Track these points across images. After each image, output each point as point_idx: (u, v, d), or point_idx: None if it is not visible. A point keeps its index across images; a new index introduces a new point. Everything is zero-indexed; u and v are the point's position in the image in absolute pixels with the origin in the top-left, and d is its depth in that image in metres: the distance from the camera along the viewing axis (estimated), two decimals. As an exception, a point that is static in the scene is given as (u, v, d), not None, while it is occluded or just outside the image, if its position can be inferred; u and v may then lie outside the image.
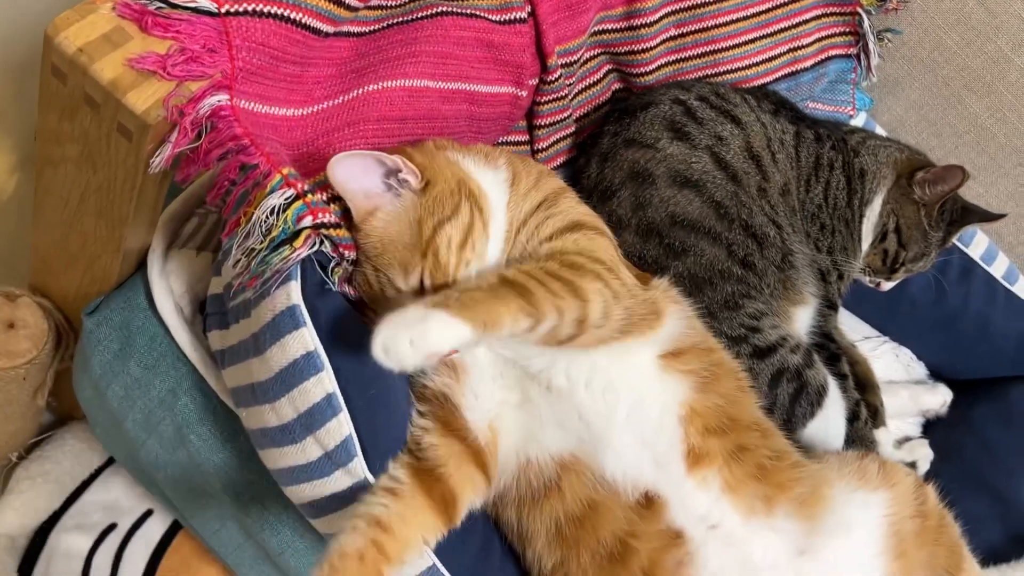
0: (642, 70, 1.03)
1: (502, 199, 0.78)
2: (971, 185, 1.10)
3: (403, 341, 0.59)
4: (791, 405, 0.93)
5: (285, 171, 0.64)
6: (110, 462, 1.17)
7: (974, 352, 1.11)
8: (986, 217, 1.04)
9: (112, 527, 1.14)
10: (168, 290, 0.83)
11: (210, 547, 1.00)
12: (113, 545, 1.13)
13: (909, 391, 1.09)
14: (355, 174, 0.70)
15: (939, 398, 1.09)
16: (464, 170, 0.78)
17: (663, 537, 0.74)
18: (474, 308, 0.62)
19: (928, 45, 1.10)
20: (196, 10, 0.65)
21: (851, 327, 1.14)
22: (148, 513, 1.16)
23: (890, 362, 1.11)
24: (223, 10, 0.66)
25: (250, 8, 0.67)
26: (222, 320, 0.79)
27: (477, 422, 0.75)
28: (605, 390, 0.75)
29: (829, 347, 1.00)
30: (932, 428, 1.12)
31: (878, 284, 1.07)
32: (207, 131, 0.65)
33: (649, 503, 0.74)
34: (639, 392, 0.76)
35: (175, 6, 0.64)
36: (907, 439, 1.08)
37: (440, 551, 0.74)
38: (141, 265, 0.84)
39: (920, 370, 1.15)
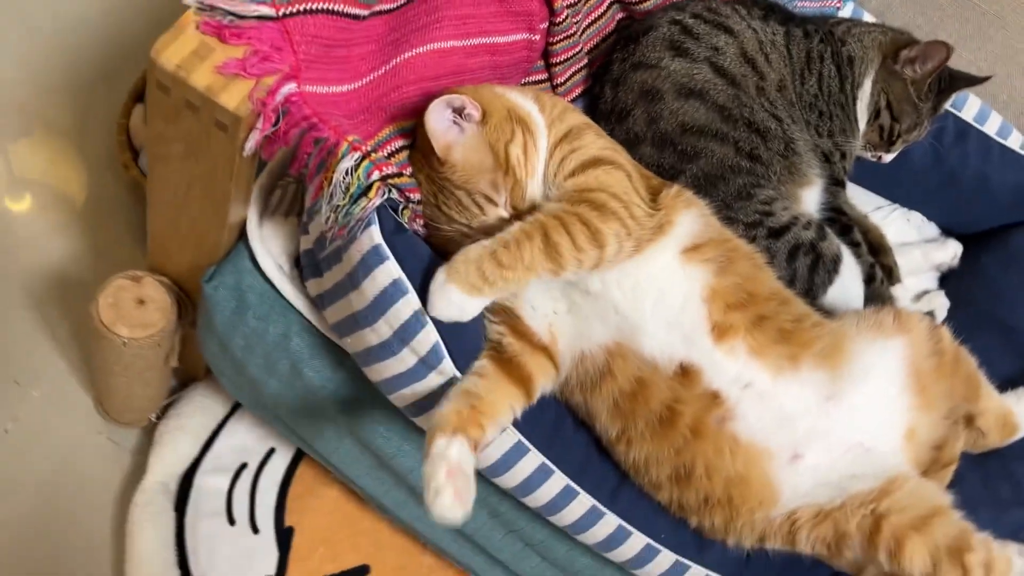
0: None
1: (542, 124, 0.92)
2: (960, 53, 1.20)
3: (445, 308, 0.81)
4: (810, 276, 1.06)
5: (350, 139, 0.79)
6: (233, 412, 1.36)
7: (977, 206, 1.22)
8: (972, 81, 1.13)
9: (243, 466, 1.34)
10: (268, 252, 0.99)
11: (331, 465, 1.18)
12: (247, 481, 1.33)
13: (921, 249, 1.20)
14: (438, 121, 0.84)
15: (949, 252, 1.21)
16: (510, 100, 0.92)
17: (703, 400, 0.89)
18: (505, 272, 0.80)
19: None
20: (260, 17, 0.79)
21: (863, 200, 1.25)
22: (271, 451, 1.36)
23: (902, 226, 1.23)
24: (280, 13, 0.80)
25: (301, 8, 0.81)
26: (316, 270, 0.95)
27: (538, 327, 0.90)
28: (634, 288, 0.89)
29: (840, 220, 1.13)
30: (947, 280, 1.24)
31: (879, 157, 1.18)
32: (283, 115, 0.80)
33: (686, 373, 0.89)
34: (663, 285, 0.89)
35: (243, 17, 0.79)
36: (925, 292, 1.19)
37: (520, 427, 0.90)
38: (242, 235, 1.01)
39: (931, 230, 1.26)
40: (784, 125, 1.06)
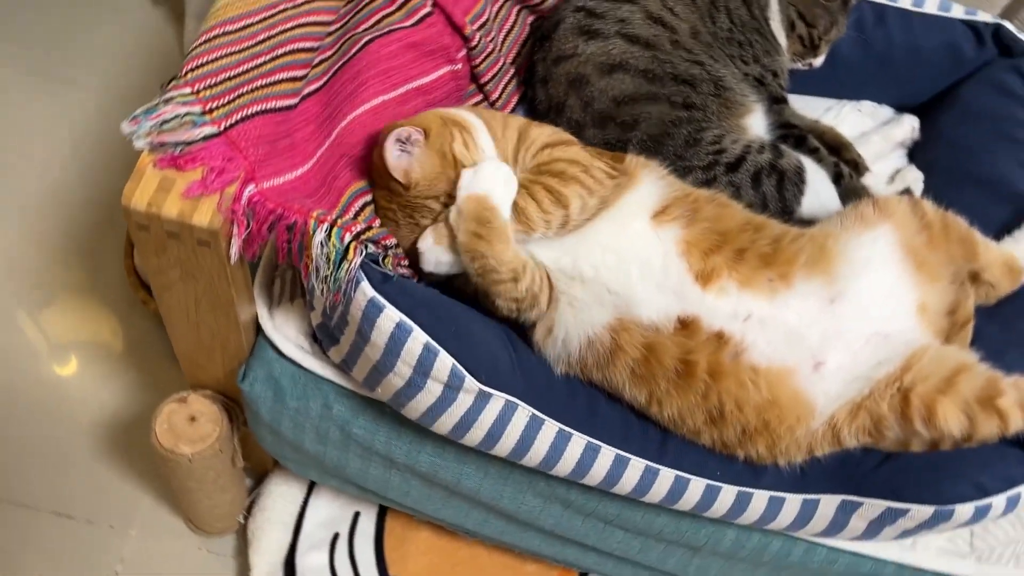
0: (543, -3, 1.21)
1: (479, 123, 1.00)
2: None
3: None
4: (779, 194, 1.11)
5: (315, 214, 0.87)
6: (311, 491, 1.45)
7: (917, 77, 1.26)
8: (871, -34, 1.18)
9: (336, 537, 1.42)
10: (286, 338, 1.07)
11: (411, 509, 1.25)
12: (344, 549, 1.41)
13: (879, 133, 1.24)
14: (392, 156, 0.94)
15: (906, 126, 1.24)
16: (443, 111, 1.01)
17: (710, 343, 0.94)
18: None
19: None
20: (206, 137, 0.87)
21: (811, 107, 1.29)
22: (357, 515, 1.43)
23: (855, 119, 1.27)
24: (223, 127, 0.88)
25: (239, 117, 0.89)
26: (332, 338, 1.03)
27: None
28: (618, 263, 0.95)
29: (792, 133, 1.17)
30: (915, 153, 1.27)
31: (810, 64, 1.23)
32: (252, 215, 0.88)
33: (686, 325, 0.94)
34: (642, 253, 0.95)
35: (191, 143, 0.87)
36: (897, 171, 1.23)
37: (559, 417, 0.97)
38: (259, 330, 1.09)
39: (885, 112, 1.30)
40: (707, 68, 1.11)
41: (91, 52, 1.85)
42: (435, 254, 0.95)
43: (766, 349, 0.94)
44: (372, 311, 0.89)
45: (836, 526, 1.00)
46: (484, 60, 1.15)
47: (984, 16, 1.22)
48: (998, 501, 0.93)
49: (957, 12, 1.24)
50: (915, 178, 1.20)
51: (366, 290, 0.89)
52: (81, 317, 1.60)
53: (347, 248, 0.87)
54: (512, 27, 1.23)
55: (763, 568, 1.15)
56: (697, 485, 0.99)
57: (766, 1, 1.18)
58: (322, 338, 1.06)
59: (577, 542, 1.20)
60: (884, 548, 1.08)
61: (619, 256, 0.95)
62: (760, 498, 0.99)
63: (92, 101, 1.78)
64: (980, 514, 0.93)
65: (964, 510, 0.93)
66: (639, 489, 1.00)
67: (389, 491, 1.21)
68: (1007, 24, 1.22)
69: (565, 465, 0.99)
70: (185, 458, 1.17)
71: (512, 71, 1.21)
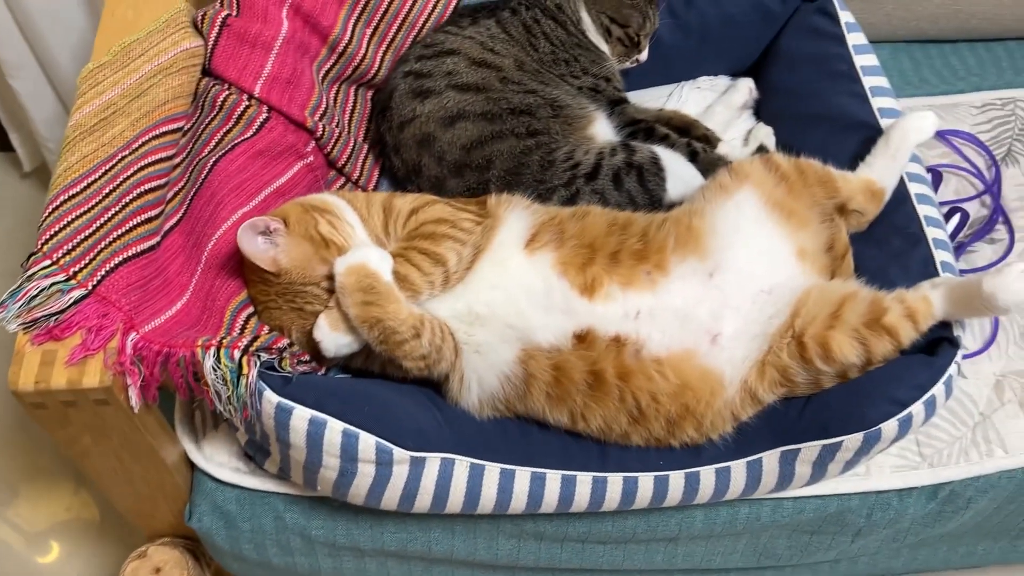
0: (372, 72, 1.25)
1: (342, 204, 1.03)
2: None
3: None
4: (643, 187, 1.16)
5: (200, 342, 0.89)
6: None
7: (739, 43, 1.33)
8: (664, -45, 1.25)
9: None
10: (220, 464, 1.08)
11: None
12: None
13: (721, 103, 1.30)
14: (251, 246, 0.96)
15: (743, 89, 1.31)
16: (302, 199, 1.04)
17: (611, 348, 0.97)
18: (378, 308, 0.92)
19: None
20: (75, 301, 0.89)
21: (655, 97, 1.35)
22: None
23: (697, 96, 1.33)
24: (90, 287, 0.90)
25: (103, 272, 0.91)
26: (263, 452, 1.04)
27: None
28: (506, 298, 0.99)
29: (640, 128, 1.23)
30: (760, 111, 1.34)
31: (637, 60, 1.29)
32: (141, 361, 0.89)
33: (583, 338, 0.98)
34: (524, 282, 0.99)
35: (63, 311, 0.88)
36: (749, 131, 1.29)
37: (498, 457, 0.99)
38: (193, 465, 1.10)
39: (723, 81, 1.36)
40: (540, 93, 1.16)
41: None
42: (333, 339, 0.97)
43: (663, 338, 0.97)
44: (282, 415, 0.91)
45: (785, 478, 1.03)
46: (335, 145, 1.19)
47: (778, -29, 1.30)
48: (917, 409, 0.97)
49: (754, -26, 1.32)
50: (766, 133, 1.26)
51: (271, 398, 0.91)
52: (46, 500, 1.58)
53: (240, 364, 0.89)
54: (354, 107, 1.27)
55: (743, 537, 1.18)
56: (646, 480, 1.02)
57: (577, 16, 1.24)
58: (254, 454, 1.07)
59: (564, 570, 1.21)
60: (842, 483, 1.11)
61: (505, 291, 0.98)
62: (707, 473, 1.02)
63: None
64: (905, 426, 0.97)
65: (889, 427, 0.96)
66: (594, 501, 1.03)
67: (369, 580, 1.21)
68: (803, -27, 1.30)
69: (518, 502, 1.01)
70: (161, 612, 1.17)
71: (366, 148, 1.24)
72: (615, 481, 1.02)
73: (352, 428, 0.91)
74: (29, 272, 0.91)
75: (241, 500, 1.09)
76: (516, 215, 1.02)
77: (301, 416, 0.91)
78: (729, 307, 0.99)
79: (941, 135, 1.44)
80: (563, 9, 1.24)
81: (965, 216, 1.34)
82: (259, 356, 0.91)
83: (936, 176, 1.38)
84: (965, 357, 1.22)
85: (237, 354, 0.89)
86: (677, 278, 1.00)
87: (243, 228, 0.94)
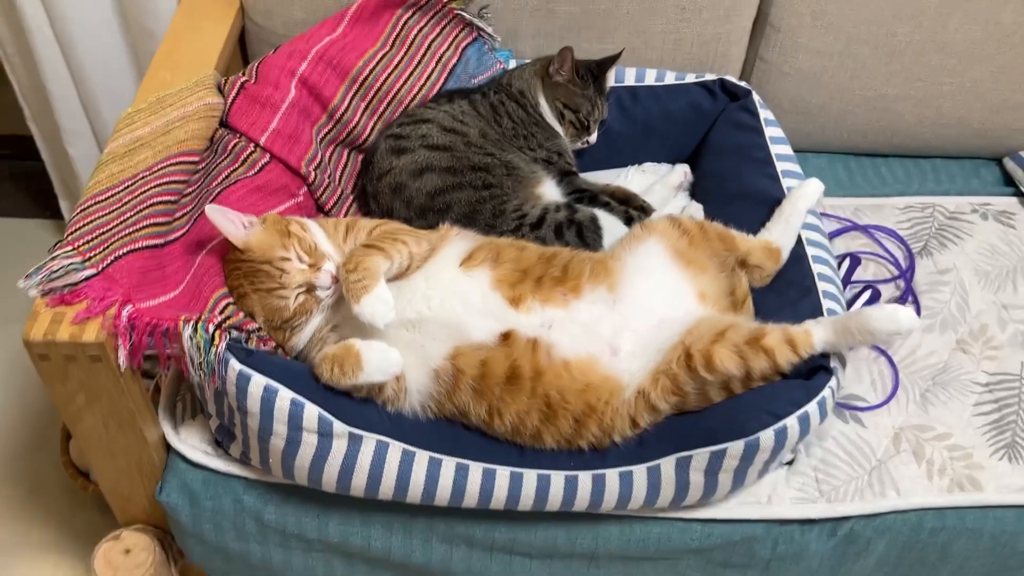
0: (363, 138, 1.49)
1: (318, 228, 1.22)
2: (591, 46, 1.56)
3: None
4: (582, 240, 1.35)
5: (183, 317, 1.08)
6: None
7: (676, 133, 1.56)
8: (611, 59, 1.50)
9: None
10: (192, 447, 1.24)
11: None
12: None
13: (659, 183, 1.51)
14: (227, 227, 1.14)
15: (679, 173, 1.52)
16: (276, 213, 1.23)
17: (527, 348, 1.15)
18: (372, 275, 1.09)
19: (507, 1, 1.58)
20: (87, 278, 1.09)
21: (604, 178, 1.56)
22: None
23: (640, 178, 1.54)
24: (101, 268, 1.10)
25: (113, 258, 1.11)
26: (229, 435, 1.20)
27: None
28: (443, 302, 1.17)
29: (584, 195, 1.43)
30: (695, 192, 1.55)
31: (587, 142, 1.52)
32: (133, 329, 1.08)
33: (507, 337, 1.15)
34: (461, 291, 1.18)
35: (77, 283, 1.08)
36: (684, 208, 1.49)
37: (424, 445, 1.14)
38: (168, 448, 1.26)
39: (664, 167, 1.58)
40: (497, 156, 1.38)
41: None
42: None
43: (571, 345, 1.15)
44: (242, 381, 1.08)
45: (682, 487, 1.16)
46: (324, 191, 1.41)
47: (710, 76, 1.54)
48: (791, 422, 1.11)
49: (691, 78, 1.55)
50: (697, 208, 1.46)
51: (234, 366, 1.08)
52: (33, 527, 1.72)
53: (212, 336, 1.08)
54: (346, 165, 1.50)
55: (660, 564, 1.29)
56: (558, 479, 1.16)
57: (536, 100, 1.48)
58: (222, 439, 1.23)
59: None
60: (745, 508, 1.24)
61: (443, 298, 1.17)
62: (612, 476, 1.16)
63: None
64: (780, 436, 1.11)
65: (767, 436, 1.10)
66: (511, 496, 1.16)
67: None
68: (728, 77, 1.53)
69: (443, 492, 1.15)
70: (125, 588, 1.29)
71: (352, 198, 1.47)
72: (530, 477, 1.16)
73: (299, 398, 1.08)
74: (53, 255, 1.11)
75: (206, 480, 1.24)
76: (459, 239, 1.22)
77: (257, 383, 1.08)
78: (628, 328, 1.17)
79: (865, 228, 1.63)
80: (524, 94, 1.48)
81: (877, 293, 1.50)
82: (230, 332, 1.09)
83: (855, 260, 1.56)
84: (866, 409, 1.37)
85: (211, 328, 1.08)
86: (587, 301, 1.18)
87: (211, 209, 1.13)
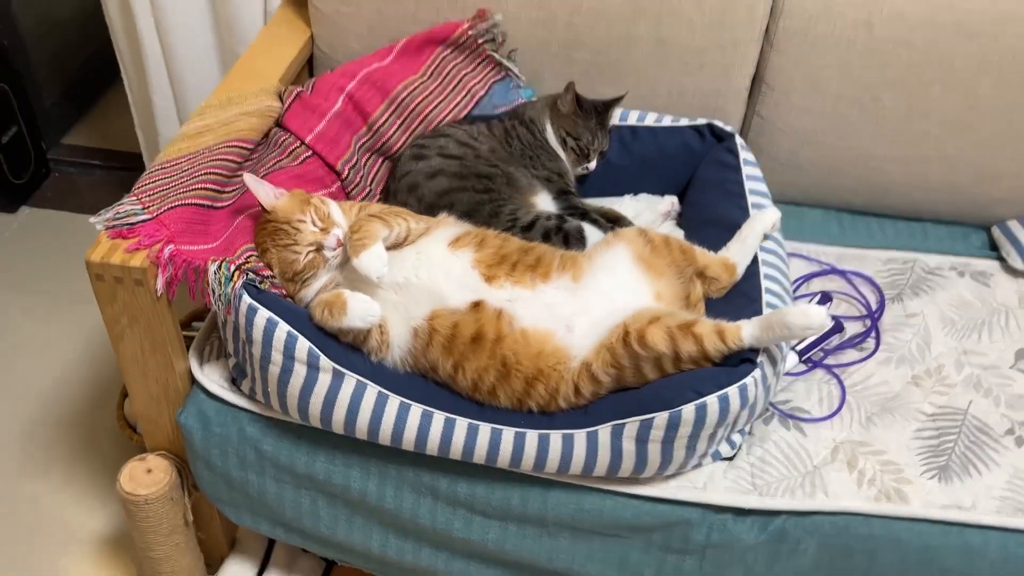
0: (395, 149, 1.74)
1: (336, 206, 1.44)
2: (604, 87, 1.79)
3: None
4: (567, 247, 1.54)
5: (212, 258, 1.32)
6: (261, 572, 1.74)
7: (669, 167, 1.75)
8: (615, 100, 1.72)
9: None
10: (211, 380, 1.46)
11: (333, 548, 1.55)
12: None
13: (648, 209, 1.70)
14: (260, 191, 1.38)
15: (667, 202, 1.70)
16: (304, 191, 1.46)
17: (493, 316, 1.34)
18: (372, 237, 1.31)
19: (533, 48, 1.83)
20: (142, 221, 1.35)
21: (603, 204, 1.77)
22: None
23: (632, 205, 1.72)
24: (154, 214, 1.36)
25: (166, 207, 1.37)
26: (242, 372, 1.43)
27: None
28: (430, 272, 1.38)
29: (576, 211, 1.63)
30: (681, 222, 1.73)
31: (587, 168, 1.73)
32: (172, 264, 1.33)
33: (476, 305, 1.35)
34: (446, 266, 1.38)
35: (133, 224, 1.35)
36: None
37: (397, 391, 1.33)
38: (193, 381, 1.49)
39: (656, 199, 1.77)
40: (500, 168, 1.60)
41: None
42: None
43: (531, 319, 1.33)
44: (251, 313, 1.31)
45: (616, 453, 1.31)
46: (354, 188, 1.66)
47: (700, 120, 1.74)
48: (711, 400, 1.25)
49: (684, 121, 1.76)
50: (678, 234, 1.64)
51: (246, 300, 1.31)
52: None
53: (232, 274, 1.31)
54: (378, 171, 1.75)
55: (610, 541, 1.42)
56: (508, 433, 1.32)
57: (543, 126, 1.71)
58: (236, 376, 1.46)
59: (461, 548, 1.48)
60: (682, 492, 1.37)
61: (430, 269, 1.38)
62: (556, 437, 1.32)
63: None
64: (700, 413, 1.25)
65: (687, 410, 1.25)
66: (467, 448, 1.33)
67: (304, 519, 1.52)
68: (716, 121, 1.73)
69: (409, 434, 1.33)
70: (142, 499, 1.51)
71: (376, 198, 1.71)
72: (484, 429, 1.33)
73: (294, 331, 1.30)
74: (120, 202, 1.38)
75: (219, 410, 1.46)
76: (453, 225, 1.44)
77: (262, 315, 1.30)
78: (585, 313, 1.35)
79: (843, 272, 1.77)
80: (534, 122, 1.71)
81: (839, 327, 1.63)
82: (247, 274, 1.33)
83: (825, 297, 1.70)
84: (809, 420, 1.49)
85: (232, 268, 1.32)
86: (552, 287, 1.37)
87: (249, 178, 1.38)
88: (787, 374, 1.57)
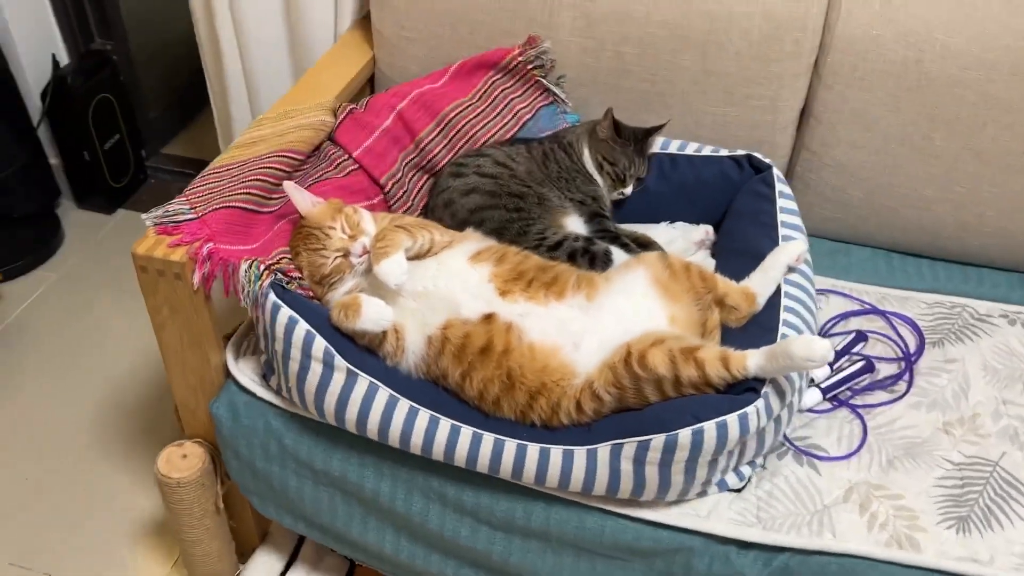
0: (439, 166, 1.81)
1: (369, 216, 1.51)
2: (647, 115, 1.81)
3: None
4: (592, 269, 1.57)
5: (245, 258, 1.41)
6: (289, 566, 1.82)
7: (707, 197, 1.75)
8: (656, 128, 1.74)
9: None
10: (243, 374, 1.55)
11: (350, 546, 1.61)
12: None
13: (681, 237, 1.71)
14: (297, 198, 1.47)
15: (701, 231, 1.70)
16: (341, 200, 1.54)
17: (503, 329, 1.38)
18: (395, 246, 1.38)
19: (581, 75, 1.88)
20: (188, 219, 1.46)
21: (639, 230, 1.78)
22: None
23: (667, 232, 1.73)
24: (199, 214, 1.47)
25: (210, 208, 1.47)
26: (271, 369, 1.51)
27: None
28: (448, 282, 1.43)
29: (607, 235, 1.66)
30: (715, 251, 1.73)
31: (622, 193, 1.75)
32: (209, 260, 1.42)
33: (488, 318, 1.39)
34: (464, 277, 1.43)
35: (179, 222, 1.45)
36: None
37: (407, 395, 1.38)
38: (228, 374, 1.58)
39: (691, 227, 1.78)
40: (533, 189, 1.65)
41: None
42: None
43: (540, 334, 1.36)
44: (275, 311, 1.38)
45: (614, 472, 1.32)
46: (396, 202, 1.73)
47: (739, 151, 1.74)
48: (708, 427, 1.25)
49: (724, 152, 1.76)
50: (710, 265, 1.64)
51: (272, 298, 1.39)
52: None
53: (261, 273, 1.40)
54: (422, 187, 1.82)
55: (613, 563, 1.43)
56: (511, 445, 1.35)
57: (581, 150, 1.74)
58: (266, 372, 1.54)
59: (466, 555, 1.51)
60: (685, 519, 1.37)
61: (448, 279, 1.43)
62: (556, 452, 1.34)
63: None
64: (697, 438, 1.25)
65: (684, 434, 1.25)
66: (471, 455, 1.37)
67: (323, 515, 1.58)
68: (755, 153, 1.72)
69: (416, 438, 1.38)
70: (175, 482, 1.61)
71: (418, 212, 1.78)
72: (488, 439, 1.36)
73: (313, 330, 1.37)
74: (171, 202, 1.49)
75: (248, 403, 1.54)
76: (476, 240, 1.49)
77: (284, 314, 1.38)
78: (595, 332, 1.37)
79: (882, 312, 1.73)
80: (572, 146, 1.75)
81: (870, 366, 1.59)
82: (276, 274, 1.41)
83: (860, 336, 1.66)
84: (824, 458, 1.46)
85: (262, 267, 1.41)
86: (565, 305, 1.40)
87: (290, 187, 1.47)
88: (810, 411, 1.55)
